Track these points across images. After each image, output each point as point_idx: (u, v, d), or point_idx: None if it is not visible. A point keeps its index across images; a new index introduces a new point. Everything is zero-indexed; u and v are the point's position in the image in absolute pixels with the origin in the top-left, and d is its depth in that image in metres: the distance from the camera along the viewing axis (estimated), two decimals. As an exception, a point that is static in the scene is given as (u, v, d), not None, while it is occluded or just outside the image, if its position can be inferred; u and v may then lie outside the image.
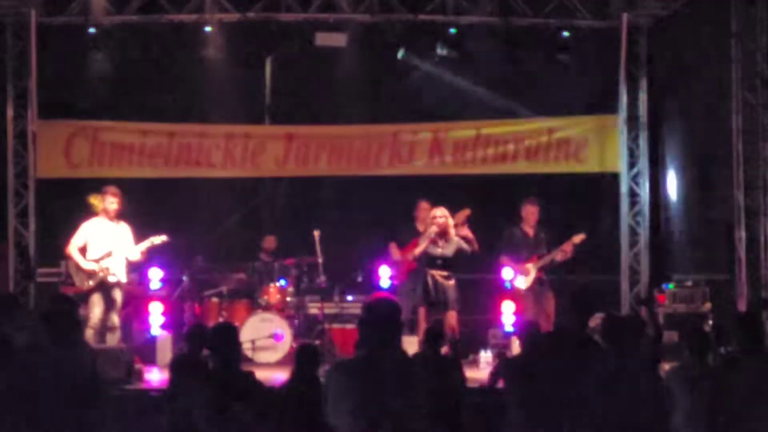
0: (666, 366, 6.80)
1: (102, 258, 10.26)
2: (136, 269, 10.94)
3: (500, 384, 6.70)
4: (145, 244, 10.42)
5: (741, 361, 6.25)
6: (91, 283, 10.18)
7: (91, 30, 12.17)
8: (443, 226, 10.46)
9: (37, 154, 12.33)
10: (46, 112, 12.32)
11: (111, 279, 10.25)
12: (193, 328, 7.77)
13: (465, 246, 10.56)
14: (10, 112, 12.28)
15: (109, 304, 10.24)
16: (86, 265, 10.22)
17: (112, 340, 10.15)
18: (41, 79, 12.15)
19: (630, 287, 12.80)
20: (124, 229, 10.44)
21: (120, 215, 10.43)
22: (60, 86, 12.40)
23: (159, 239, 10.47)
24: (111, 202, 10.35)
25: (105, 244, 10.30)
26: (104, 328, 10.17)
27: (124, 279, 10.40)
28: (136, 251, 10.38)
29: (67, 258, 10.42)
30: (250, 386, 5.69)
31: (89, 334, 9.84)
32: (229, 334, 5.87)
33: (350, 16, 12.33)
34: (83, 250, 10.31)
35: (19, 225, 12.30)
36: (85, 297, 10.11)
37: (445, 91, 12.84)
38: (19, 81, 12.24)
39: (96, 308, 10.16)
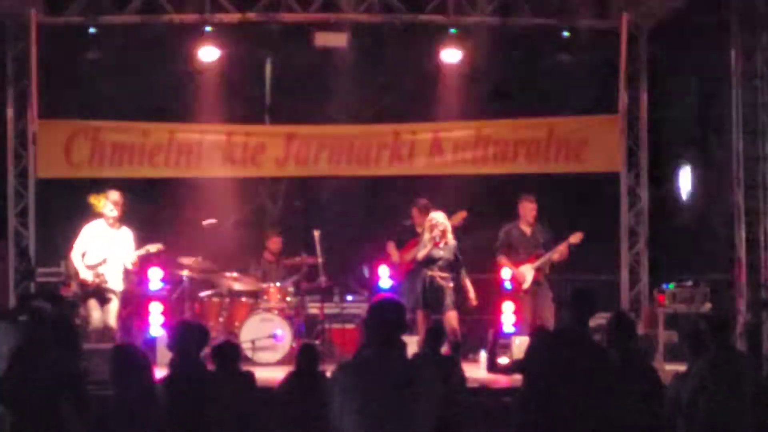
0: (667, 367, 6.80)
1: (97, 265, 10.28)
2: (135, 275, 10.94)
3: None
4: (140, 251, 10.47)
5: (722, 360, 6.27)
6: (87, 290, 10.24)
7: (91, 30, 12.17)
8: (443, 230, 10.46)
9: (37, 154, 12.31)
10: (46, 112, 12.30)
11: (106, 286, 10.28)
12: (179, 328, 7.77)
13: (459, 256, 10.54)
14: (10, 112, 12.26)
15: (104, 310, 10.27)
16: (82, 273, 10.25)
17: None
18: (41, 79, 12.13)
19: (630, 287, 12.81)
20: (124, 236, 10.46)
21: (121, 221, 10.46)
22: (60, 86, 12.38)
23: (155, 247, 10.50)
24: (111, 209, 10.38)
25: (101, 251, 10.32)
26: (106, 329, 10.20)
27: (120, 287, 10.42)
28: (131, 258, 10.38)
29: (68, 261, 10.51)
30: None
31: (91, 336, 9.96)
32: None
33: (350, 16, 12.32)
34: (83, 255, 10.35)
35: (19, 225, 12.29)
36: (82, 301, 10.25)
37: (444, 90, 12.83)
38: (19, 81, 12.21)
39: (95, 312, 10.22)
